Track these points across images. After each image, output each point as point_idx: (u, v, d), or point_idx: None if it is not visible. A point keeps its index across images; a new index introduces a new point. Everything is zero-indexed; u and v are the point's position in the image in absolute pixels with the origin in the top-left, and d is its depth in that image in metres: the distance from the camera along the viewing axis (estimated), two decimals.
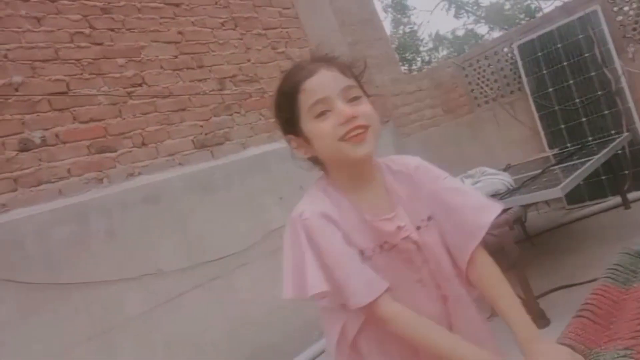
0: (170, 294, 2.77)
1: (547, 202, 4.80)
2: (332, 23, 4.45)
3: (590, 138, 4.54)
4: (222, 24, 3.67)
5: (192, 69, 3.40)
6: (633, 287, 1.25)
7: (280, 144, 3.68)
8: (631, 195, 4.23)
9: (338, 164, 1.06)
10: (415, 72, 10.14)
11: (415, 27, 13.95)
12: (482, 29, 14.70)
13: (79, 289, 2.45)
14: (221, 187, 3.20)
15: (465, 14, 13.82)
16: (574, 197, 4.60)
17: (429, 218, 1.10)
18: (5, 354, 2.17)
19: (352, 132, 0.99)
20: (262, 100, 3.74)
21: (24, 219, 2.39)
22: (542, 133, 4.87)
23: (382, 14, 14.38)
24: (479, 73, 5.32)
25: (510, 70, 5.11)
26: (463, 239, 1.07)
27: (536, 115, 4.88)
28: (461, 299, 1.09)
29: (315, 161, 1.11)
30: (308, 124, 1.03)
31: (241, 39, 3.76)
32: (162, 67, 3.24)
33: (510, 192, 2.97)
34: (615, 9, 4.36)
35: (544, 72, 4.75)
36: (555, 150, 4.62)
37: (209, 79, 3.47)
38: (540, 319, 2.58)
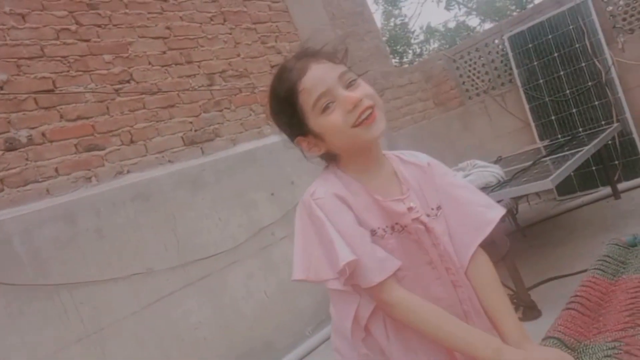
0: (161, 293, 2.75)
1: (537, 194, 4.82)
2: (322, 16, 4.42)
3: (580, 129, 4.55)
4: (211, 19, 3.64)
5: (181, 64, 3.37)
6: (622, 278, 1.25)
7: (270, 139, 3.67)
8: (621, 186, 4.25)
9: (353, 151, 1.06)
10: (406, 65, 10.12)
11: (406, 20, 13.94)
12: (473, 21, 14.70)
13: (68, 289, 2.43)
14: (211, 183, 3.18)
15: (456, 6, 13.82)
16: (565, 188, 4.63)
17: (438, 208, 1.11)
18: None
19: (362, 115, 0.99)
20: (252, 95, 3.72)
21: (11, 220, 2.36)
22: (532, 124, 4.88)
23: (372, 7, 14.35)
24: (470, 65, 5.32)
25: (501, 62, 5.11)
26: (470, 232, 1.08)
27: (527, 107, 4.89)
28: (469, 289, 1.09)
29: (328, 156, 1.11)
30: (316, 121, 1.02)
31: (230, 34, 3.73)
32: (150, 63, 3.20)
33: (501, 184, 2.97)
34: None
35: (535, 63, 4.75)
36: (546, 142, 4.63)
37: (198, 74, 3.44)
38: (532, 311, 2.59)
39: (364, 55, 4.88)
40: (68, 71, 2.83)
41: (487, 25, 12.29)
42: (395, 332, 1.04)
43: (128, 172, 2.90)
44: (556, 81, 4.65)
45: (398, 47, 13.13)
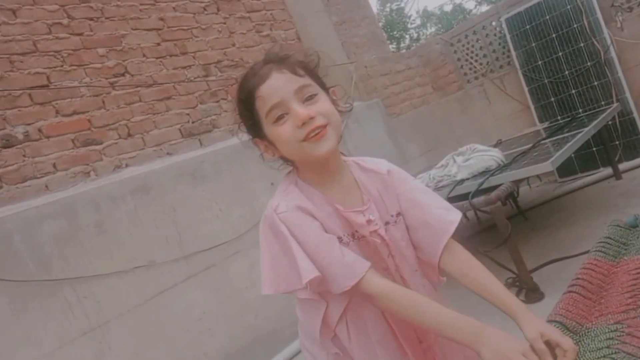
0: (164, 285, 2.75)
1: (538, 176, 4.81)
2: (317, 3, 4.37)
3: (580, 110, 4.53)
4: (204, 8, 3.60)
5: (176, 56, 3.34)
6: (623, 260, 1.24)
7: None
8: (622, 166, 4.24)
9: (305, 162, 1.09)
10: (403, 51, 10.04)
11: (403, 4, 13.81)
12: (469, 4, 14.56)
13: (71, 284, 2.43)
14: (211, 175, 3.17)
15: None
16: (566, 169, 4.61)
17: (398, 214, 1.15)
18: None
19: (311, 133, 1.00)
20: None
21: (11, 217, 2.35)
22: (532, 107, 4.85)
23: None
24: (467, 49, 5.27)
25: (499, 44, 5.07)
26: (435, 234, 1.12)
27: (526, 89, 4.86)
28: (424, 290, 1.14)
29: (285, 160, 1.14)
30: (269, 129, 1.05)
31: (224, 23, 3.69)
32: (144, 56, 3.17)
33: (501, 168, 2.96)
34: None
35: (533, 44, 4.71)
36: (546, 124, 4.61)
37: (193, 65, 3.41)
38: (534, 293, 2.59)
39: (361, 42, 4.83)
40: (62, 66, 2.81)
41: (484, 8, 12.17)
42: (356, 334, 1.08)
43: (126, 165, 2.89)
44: (555, 62, 4.62)
45: (395, 32, 13.03)
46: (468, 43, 5.26)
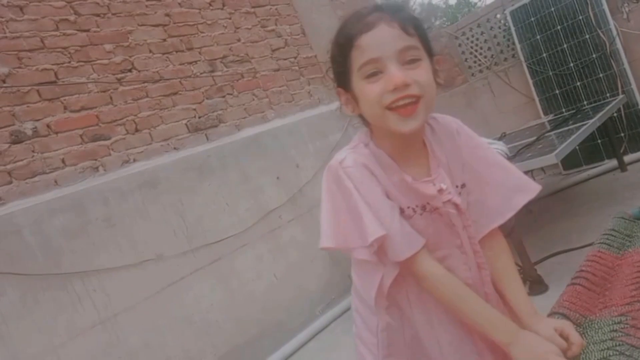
0: (172, 278, 2.79)
1: (543, 169, 4.80)
2: None
3: (585, 102, 4.51)
4: (210, 4, 3.60)
5: (182, 51, 3.35)
6: (628, 252, 1.25)
7: (274, 124, 3.67)
8: (627, 158, 4.23)
9: (383, 130, 0.99)
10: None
11: None
12: None
13: (81, 277, 2.47)
14: (217, 169, 3.20)
15: None
16: (570, 162, 4.61)
17: (463, 186, 1.05)
18: (10, 346, 2.20)
19: (400, 101, 0.91)
20: (255, 80, 3.71)
21: (21, 211, 2.39)
22: (537, 99, 4.84)
23: None
24: (472, 42, 5.25)
25: (504, 37, 5.05)
26: (489, 215, 1.05)
27: (530, 82, 4.85)
28: (488, 268, 1.08)
29: (363, 120, 1.05)
30: (357, 83, 0.95)
31: (230, 19, 3.70)
32: (151, 51, 3.19)
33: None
34: None
35: (538, 37, 4.69)
36: (551, 116, 4.60)
37: (199, 61, 3.42)
38: (539, 285, 2.61)
39: None
40: (69, 62, 2.83)
41: (489, 1, 12.09)
42: (417, 299, 1.04)
43: (134, 160, 2.92)
44: (560, 54, 4.60)
45: None
46: (472, 36, 5.24)
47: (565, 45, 4.54)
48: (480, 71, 5.27)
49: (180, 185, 2.99)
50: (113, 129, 2.89)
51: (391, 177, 1.00)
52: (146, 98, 3.08)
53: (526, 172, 2.84)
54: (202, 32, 3.49)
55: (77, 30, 2.90)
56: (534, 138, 3.41)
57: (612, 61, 4.32)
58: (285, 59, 3.95)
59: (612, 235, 1.33)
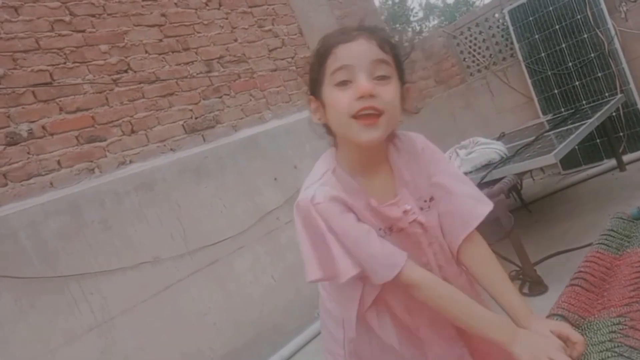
0: (169, 281, 2.77)
1: (541, 169, 4.79)
2: None
3: (584, 102, 4.50)
4: (206, 4, 3.59)
5: (178, 52, 3.34)
6: (626, 252, 1.24)
7: (271, 124, 3.65)
8: (626, 157, 4.22)
9: (347, 140, 1.03)
10: (406, 44, 9.99)
11: None
12: None
13: (77, 280, 2.45)
14: (214, 171, 3.18)
15: None
16: (569, 162, 4.59)
17: (431, 199, 1.09)
18: (6, 350, 2.18)
19: (363, 112, 0.95)
20: (252, 80, 3.69)
21: (16, 214, 2.37)
22: (535, 99, 4.83)
23: None
24: (470, 41, 5.24)
25: (502, 36, 5.03)
26: (457, 224, 1.08)
27: (529, 82, 4.83)
28: (458, 280, 1.11)
29: (329, 130, 1.07)
30: (327, 90, 1.00)
31: (226, 19, 3.68)
32: (146, 52, 3.18)
33: (504, 161, 2.95)
34: None
35: (536, 36, 4.68)
36: (549, 116, 4.58)
37: (195, 61, 3.41)
38: (538, 286, 2.59)
39: None
40: (65, 63, 2.81)
41: (487, 0, 12.11)
42: (382, 321, 1.07)
43: (130, 162, 2.90)
44: (558, 54, 4.58)
45: (397, 25, 12.96)
46: (471, 35, 5.23)
47: (563, 45, 4.54)
48: (479, 71, 5.26)
49: (177, 187, 2.97)
50: (109, 130, 2.87)
51: (360, 202, 1.03)
52: (142, 99, 3.06)
53: (525, 172, 2.86)
54: (198, 32, 3.48)
55: (73, 30, 2.89)
56: (533, 138, 3.40)
57: (610, 60, 4.31)
58: (282, 59, 3.94)
59: (611, 236, 1.31)
